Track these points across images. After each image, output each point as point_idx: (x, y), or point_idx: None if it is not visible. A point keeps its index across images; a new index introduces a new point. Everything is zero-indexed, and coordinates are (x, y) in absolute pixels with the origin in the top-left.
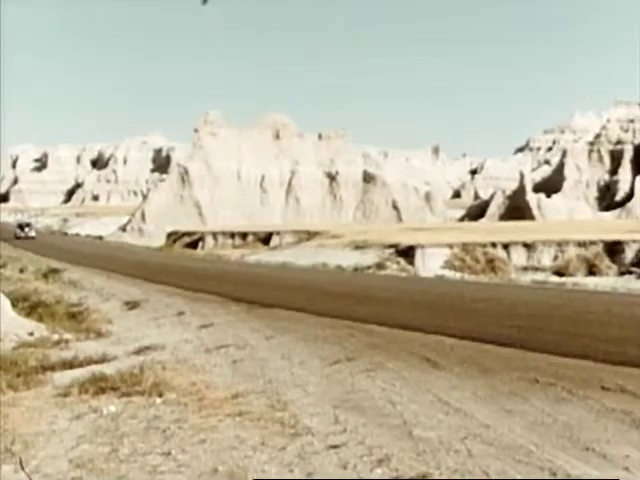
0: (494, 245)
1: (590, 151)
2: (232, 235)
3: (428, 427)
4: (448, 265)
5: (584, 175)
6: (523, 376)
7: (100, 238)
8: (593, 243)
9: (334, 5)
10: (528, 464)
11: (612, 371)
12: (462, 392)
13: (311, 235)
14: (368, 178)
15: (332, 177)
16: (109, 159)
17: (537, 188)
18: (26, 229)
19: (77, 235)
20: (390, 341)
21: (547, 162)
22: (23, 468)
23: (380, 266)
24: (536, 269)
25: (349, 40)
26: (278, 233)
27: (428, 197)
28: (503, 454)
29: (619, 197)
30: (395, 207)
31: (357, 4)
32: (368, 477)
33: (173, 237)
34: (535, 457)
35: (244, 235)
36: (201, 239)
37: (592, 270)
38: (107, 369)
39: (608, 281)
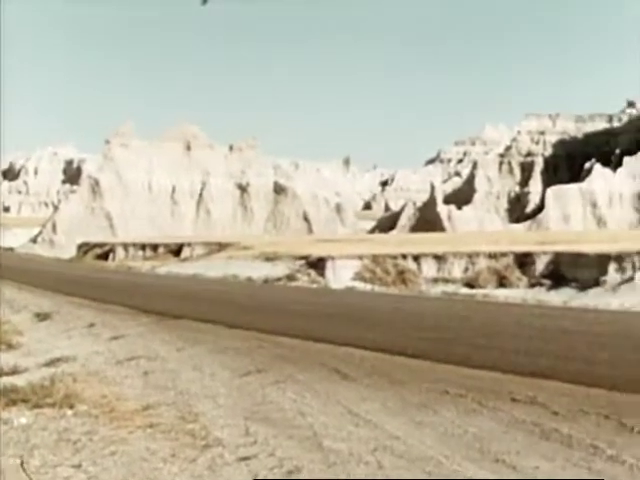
0: (404, 257)
1: (501, 163)
2: (143, 247)
3: (338, 438)
4: (359, 277)
5: (495, 187)
6: (433, 388)
7: (11, 249)
8: (503, 255)
9: (246, 16)
10: (438, 476)
11: (522, 382)
12: (372, 403)
13: (222, 247)
14: (279, 189)
15: (243, 188)
16: (20, 170)
17: (448, 200)
18: None
19: None
20: (300, 353)
21: (458, 174)
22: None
23: (291, 278)
24: (446, 281)
25: (259, 51)
26: (189, 245)
27: (339, 208)
28: (413, 466)
29: (529, 209)
30: (306, 218)
31: (267, 16)
32: None
33: (84, 249)
34: (445, 468)
35: (155, 247)
36: (112, 251)
37: (502, 282)
38: (18, 381)
39: (518, 293)
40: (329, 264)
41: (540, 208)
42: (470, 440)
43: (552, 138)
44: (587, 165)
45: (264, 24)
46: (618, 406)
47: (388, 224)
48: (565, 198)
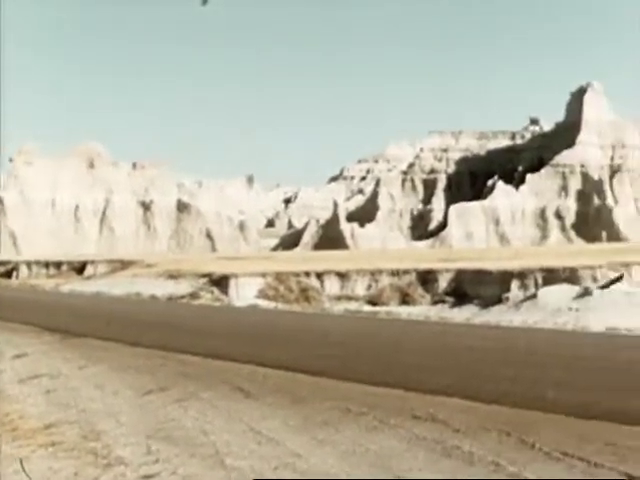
0: (308, 274)
1: (404, 180)
2: (46, 265)
3: (240, 457)
4: (262, 294)
5: (398, 204)
6: (335, 405)
7: None
8: (406, 272)
9: (149, 35)
10: None
11: (424, 399)
12: (274, 421)
13: (125, 264)
14: (182, 207)
15: (146, 206)
16: None
17: (351, 217)
18: None
19: None
20: (203, 371)
21: (361, 191)
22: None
23: (194, 295)
24: (349, 298)
25: (159, 68)
26: (92, 262)
27: (242, 226)
28: None
29: (432, 226)
30: (209, 236)
31: (168, 34)
32: None
33: None
34: None
35: (58, 264)
36: (15, 269)
37: (405, 299)
38: None
39: (421, 310)
40: (232, 282)
41: (443, 225)
42: (372, 458)
43: (455, 155)
44: (490, 182)
45: (167, 40)
46: (520, 423)
47: (291, 242)
48: (468, 215)
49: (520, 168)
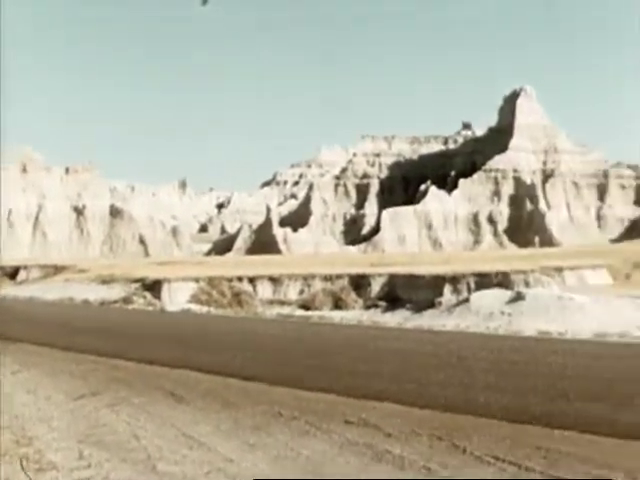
0: (240, 279)
1: (336, 185)
2: None
3: (172, 462)
4: (194, 299)
5: (330, 209)
6: (267, 410)
7: None
8: (339, 277)
9: (78, 36)
10: None
11: (355, 404)
12: (206, 426)
13: (58, 269)
14: (115, 212)
15: (79, 211)
16: None
17: (284, 222)
18: None
19: None
20: (136, 376)
21: (294, 196)
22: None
23: (127, 300)
24: (282, 303)
25: (95, 71)
26: (25, 267)
27: (175, 231)
28: None
29: (365, 231)
30: (142, 241)
31: (97, 34)
32: None
33: None
34: None
35: None
36: None
37: (338, 304)
38: None
39: (354, 314)
40: (165, 287)
41: (376, 230)
42: (303, 462)
43: (388, 160)
44: (422, 187)
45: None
46: (451, 427)
47: (224, 246)
48: (400, 220)
49: (453, 173)
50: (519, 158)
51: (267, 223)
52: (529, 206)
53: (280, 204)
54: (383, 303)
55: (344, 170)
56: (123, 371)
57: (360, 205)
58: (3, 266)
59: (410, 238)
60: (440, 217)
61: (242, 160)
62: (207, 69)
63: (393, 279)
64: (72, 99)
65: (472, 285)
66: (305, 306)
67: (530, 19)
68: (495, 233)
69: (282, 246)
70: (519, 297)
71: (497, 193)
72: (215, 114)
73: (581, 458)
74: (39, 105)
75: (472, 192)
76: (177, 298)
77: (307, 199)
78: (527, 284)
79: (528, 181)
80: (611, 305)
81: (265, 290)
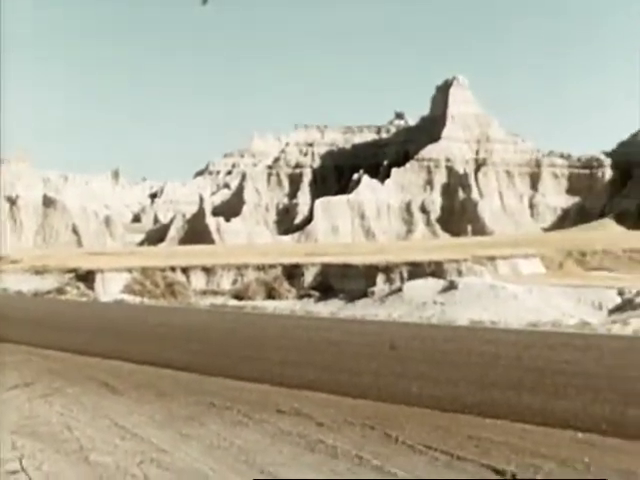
0: (173, 269)
1: (269, 175)
2: None
3: (105, 452)
4: (128, 290)
5: (263, 199)
6: (200, 400)
7: None
8: (272, 267)
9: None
10: None
11: (288, 394)
12: (139, 417)
13: None
14: (48, 202)
15: (12, 201)
16: None
17: (217, 212)
18: None
19: None
20: (69, 366)
21: (227, 186)
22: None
23: (60, 291)
24: (215, 293)
25: (28, 59)
26: None
27: (108, 221)
28: (179, 478)
29: (298, 220)
30: (75, 231)
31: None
32: None
33: None
34: None
35: None
36: None
37: (271, 293)
38: None
39: (287, 304)
40: (98, 277)
41: (309, 220)
42: (236, 452)
43: (321, 149)
44: (355, 176)
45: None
46: (384, 417)
47: (157, 237)
48: (333, 209)
49: (385, 162)
50: (452, 147)
51: (200, 213)
52: (462, 195)
53: (213, 194)
54: (316, 293)
55: (277, 160)
56: (56, 362)
57: (293, 195)
58: None
59: (343, 228)
60: (373, 207)
61: (175, 150)
62: (141, 59)
63: (326, 269)
64: (4, 89)
65: (405, 275)
66: (238, 296)
67: (464, 9)
68: (428, 222)
69: (215, 236)
70: (452, 286)
71: (430, 182)
72: (149, 104)
73: (513, 447)
74: None
75: (405, 181)
76: (110, 289)
77: (240, 189)
78: (460, 273)
79: (461, 170)
80: (544, 294)
81: (198, 280)
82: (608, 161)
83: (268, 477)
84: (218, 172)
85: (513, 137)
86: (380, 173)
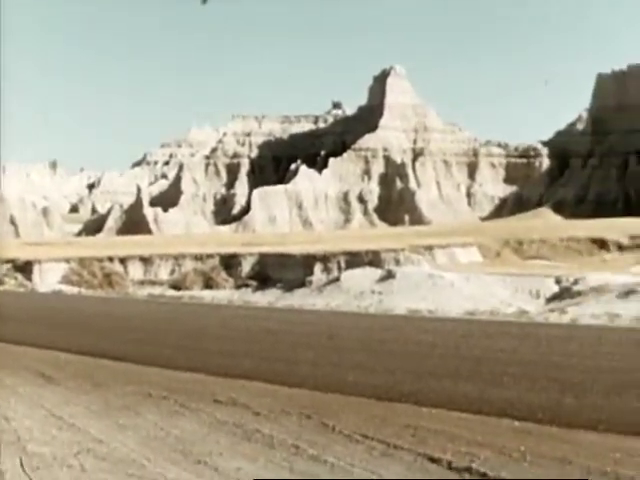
0: (111, 259)
1: (207, 165)
2: None
3: (42, 442)
4: (66, 280)
5: (201, 189)
6: (137, 390)
7: None
8: (210, 257)
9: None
10: (141, 478)
11: (225, 384)
12: (76, 407)
13: None
14: None
15: None
16: None
17: (154, 202)
18: None
19: None
20: (6, 357)
21: (164, 176)
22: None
23: None
24: (153, 283)
25: None
26: None
27: (46, 212)
28: (116, 468)
29: (236, 210)
30: (13, 222)
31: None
32: None
33: None
34: (147, 471)
35: None
36: None
37: (209, 283)
38: None
39: (225, 294)
40: (36, 268)
41: (246, 210)
42: (173, 442)
43: (258, 139)
44: (293, 166)
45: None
46: (320, 406)
47: (95, 227)
48: (271, 199)
49: (323, 152)
50: (389, 137)
51: (137, 203)
52: (399, 185)
53: (151, 184)
54: (254, 283)
55: (214, 150)
56: None
57: (231, 185)
58: None
59: (281, 217)
60: (310, 196)
61: (113, 140)
62: (77, 50)
63: (264, 259)
64: None
65: (343, 264)
66: (176, 286)
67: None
68: (365, 212)
69: (153, 226)
70: (390, 276)
71: (367, 172)
72: (86, 94)
73: (450, 436)
74: None
75: (342, 171)
76: (48, 279)
77: (177, 179)
78: (397, 262)
79: (398, 160)
80: (481, 283)
81: (136, 270)
82: (545, 150)
83: (205, 467)
84: (156, 162)
85: (451, 127)
86: (318, 163)
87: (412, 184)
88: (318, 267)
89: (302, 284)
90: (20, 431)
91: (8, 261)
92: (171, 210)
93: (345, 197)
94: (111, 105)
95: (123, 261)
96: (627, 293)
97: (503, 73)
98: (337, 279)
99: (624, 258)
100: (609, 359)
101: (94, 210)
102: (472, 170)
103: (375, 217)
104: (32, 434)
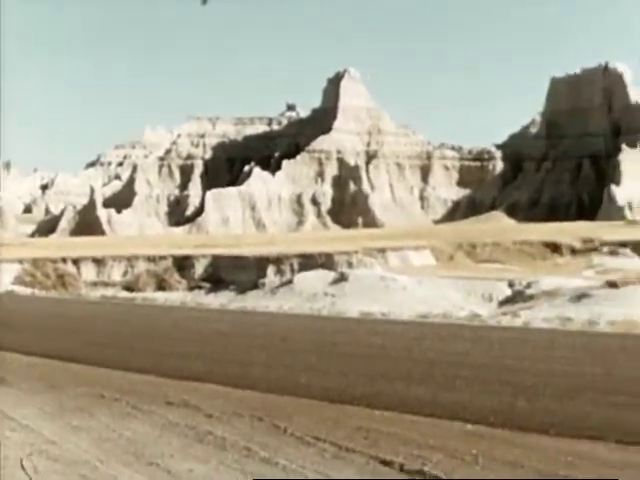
0: (64, 260)
1: (161, 166)
2: None
3: None
4: (18, 281)
5: (154, 190)
6: (90, 392)
7: None
8: (163, 258)
9: None
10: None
11: (177, 385)
12: (29, 408)
13: None
14: None
15: None
16: None
17: (108, 203)
18: None
19: None
20: None
21: (118, 177)
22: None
23: None
24: (106, 284)
25: None
26: None
27: None
28: (69, 470)
29: (189, 212)
30: None
31: None
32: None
33: None
34: (100, 473)
35: None
36: None
37: (162, 285)
38: None
39: (178, 296)
40: None
41: (200, 211)
42: (125, 444)
43: (212, 141)
44: (246, 168)
45: None
46: (272, 408)
47: (48, 228)
48: (224, 201)
49: (277, 154)
50: (343, 139)
51: (91, 204)
52: (352, 187)
53: (104, 185)
54: (207, 284)
55: (168, 151)
56: None
57: (184, 186)
58: None
59: (234, 219)
60: (264, 198)
61: (66, 141)
62: (30, 48)
63: (217, 260)
64: None
65: (296, 266)
66: (129, 287)
67: (355, 3)
68: (319, 214)
69: (106, 227)
70: (342, 278)
71: (321, 174)
72: (39, 94)
73: (402, 439)
74: None
75: (296, 173)
76: (1, 279)
77: (131, 180)
78: (350, 265)
79: (352, 162)
80: (434, 286)
81: (89, 272)
82: (499, 154)
83: (157, 468)
84: (109, 163)
85: (404, 129)
86: (271, 165)
87: (365, 187)
88: (271, 269)
89: (255, 286)
90: None
91: None
92: (124, 211)
93: (298, 199)
94: (65, 106)
95: (76, 262)
96: (579, 297)
97: (458, 77)
98: (290, 281)
99: (577, 262)
100: (561, 363)
101: (47, 211)
102: (425, 173)
103: (328, 219)
104: None
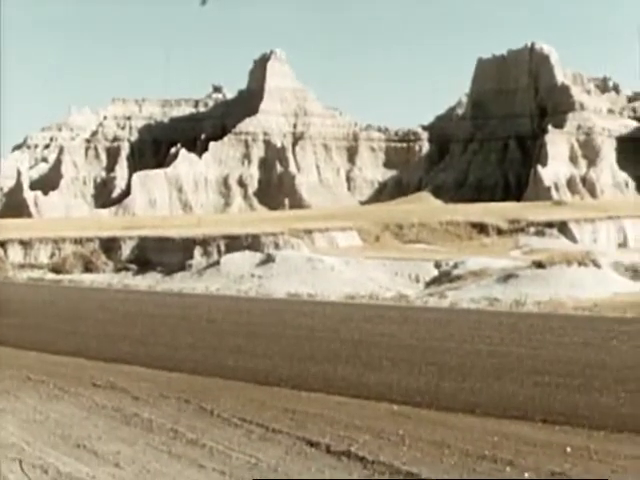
0: None
1: (87, 148)
2: None
3: None
4: None
5: (81, 172)
6: (16, 374)
7: None
8: (89, 240)
9: None
10: (21, 462)
11: (104, 368)
12: None
13: None
14: None
15: None
16: None
17: (34, 186)
18: None
19: None
20: None
21: (44, 159)
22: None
23: None
24: (33, 266)
25: None
26: None
27: None
28: None
29: (116, 194)
30: None
31: None
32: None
33: None
34: (27, 454)
35: None
36: None
37: (89, 267)
38: None
39: (105, 278)
40: None
41: (126, 193)
42: (52, 426)
43: (138, 123)
44: (173, 150)
45: None
46: (199, 390)
47: None
48: (151, 183)
49: (203, 136)
50: (269, 121)
51: (18, 187)
52: (279, 169)
53: (31, 168)
54: (134, 266)
55: (94, 133)
56: None
57: (111, 168)
58: None
59: (161, 201)
60: (190, 180)
61: None
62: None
63: (144, 242)
64: None
65: (222, 248)
66: (56, 270)
67: None
68: (245, 196)
69: (33, 210)
70: (269, 259)
71: (247, 156)
72: None
73: (328, 419)
74: None
75: (222, 155)
76: None
77: (58, 162)
78: (277, 246)
79: (278, 144)
80: (361, 267)
81: (16, 254)
82: (425, 135)
83: (84, 450)
84: (36, 146)
85: (331, 111)
86: (198, 147)
87: (292, 168)
88: (198, 251)
89: (182, 268)
90: None
91: None
92: (51, 193)
93: (225, 181)
94: None
95: (3, 244)
96: (506, 277)
97: (384, 58)
98: (217, 263)
99: (503, 242)
100: (488, 343)
101: None
102: (352, 154)
103: (255, 201)
104: None
